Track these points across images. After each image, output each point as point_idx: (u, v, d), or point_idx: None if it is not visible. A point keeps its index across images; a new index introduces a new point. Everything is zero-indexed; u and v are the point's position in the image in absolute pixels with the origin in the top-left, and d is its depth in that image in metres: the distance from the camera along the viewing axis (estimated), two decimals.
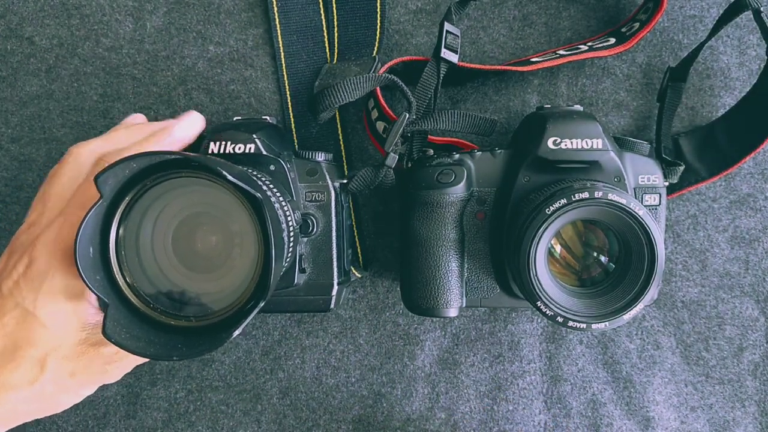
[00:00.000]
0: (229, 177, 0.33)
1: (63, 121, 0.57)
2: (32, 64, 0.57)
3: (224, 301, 0.38)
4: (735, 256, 0.57)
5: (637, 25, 0.54)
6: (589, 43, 0.54)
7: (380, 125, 0.52)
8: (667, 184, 0.48)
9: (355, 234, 0.56)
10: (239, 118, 0.50)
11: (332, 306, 0.47)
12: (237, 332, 0.34)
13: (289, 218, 0.42)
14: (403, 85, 0.47)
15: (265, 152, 0.44)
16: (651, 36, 0.57)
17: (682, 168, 0.50)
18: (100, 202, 0.35)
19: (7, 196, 0.58)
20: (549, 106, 0.48)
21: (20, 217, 0.58)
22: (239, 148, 0.44)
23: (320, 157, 0.47)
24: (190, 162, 0.35)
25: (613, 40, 0.54)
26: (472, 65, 0.53)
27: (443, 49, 0.47)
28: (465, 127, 0.49)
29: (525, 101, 0.57)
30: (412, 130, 0.49)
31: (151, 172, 0.36)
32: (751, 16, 0.49)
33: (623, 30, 0.55)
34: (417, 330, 0.57)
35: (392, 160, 0.47)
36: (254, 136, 0.44)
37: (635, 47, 0.56)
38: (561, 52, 0.54)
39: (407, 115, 0.47)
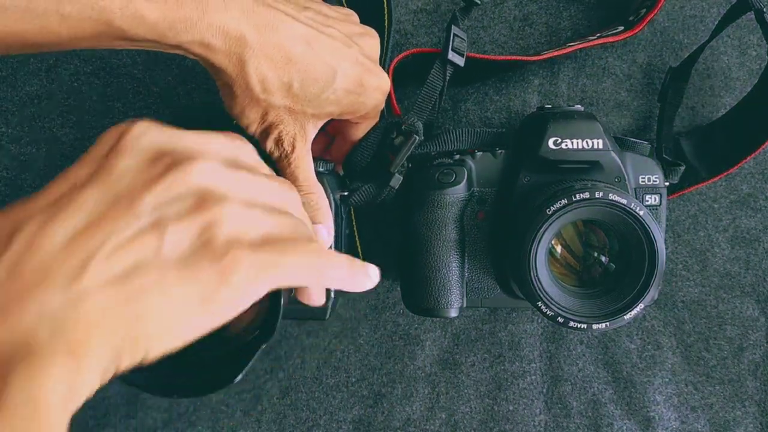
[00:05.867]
0: None
1: (63, 121, 0.57)
2: (32, 64, 0.57)
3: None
4: (735, 256, 0.57)
5: (643, 11, 0.54)
6: (598, 34, 0.54)
7: None
8: (667, 184, 0.48)
9: (356, 234, 0.55)
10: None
11: (328, 315, 0.47)
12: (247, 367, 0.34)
13: None
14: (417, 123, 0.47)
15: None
16: (651, 36, 0.57)
17: (682, 168, 0.50)
18: None
19: (7, 196, 0.58)
20: (550, 106, 0.48)
21: None
22: None
23: (321, 167, 0.46)
24: None
25: (621, 28, 0.54)
26: (480, 55, 0.52)
27: (450, 52, 0.47)
28: (474, 144, 0.49)
29: (525, 101, 0.57)
30: (418, 153, 0.49)
31: None
32: (752, 16, 0.49)
33: (630, 18, 0.55)
34: (417, 330, 0.57)
35: (396, 181, 0.47)
36: None
37: (637, 47, 0.56)
38: (569, 44, 0.54)
39: (416, 138, 0.46)
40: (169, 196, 0.25)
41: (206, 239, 0.25)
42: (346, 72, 0.39)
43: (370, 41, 0.42)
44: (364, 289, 0.31)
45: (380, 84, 0.41)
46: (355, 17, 0.43)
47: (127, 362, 0.24)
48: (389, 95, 0.52)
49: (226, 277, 0.25)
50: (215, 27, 0.33)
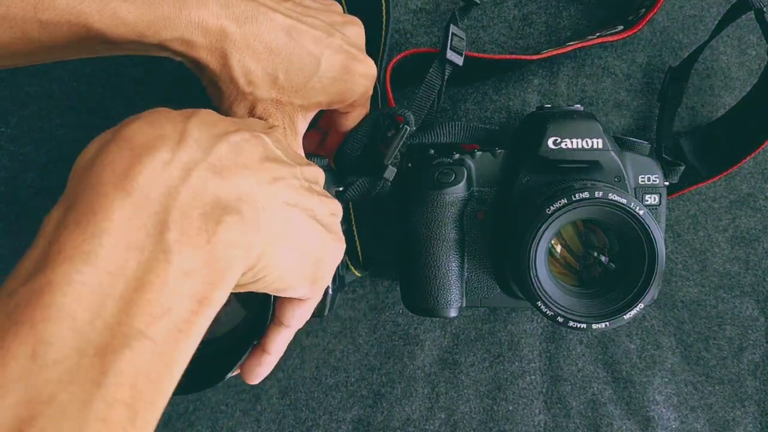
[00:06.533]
0: None
1: (62, 120, 0.57)
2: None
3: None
4: (735, 255, 0.57)
5: (643, 10, 0.54)
6: (597, 33, 0.54)
7: None
8: (667, 184, 0.48)
9: (355, 233, 0.55)
10: None
11: (326, 312, 0.47)
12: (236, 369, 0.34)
13: None
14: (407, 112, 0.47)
15: None
16: (651, 36, 0.57)
17: (682, 168, 0.50)
18: None
19: (6, 196, 0.58)
20: (549, 105, 0.48)
21: (20, 218, 0.57)
22: None
23: (315, 162, 0.46)
24: None
25: (621, 27, 0.54)
26: (480, 54, 0.52)
27: (449, 51, 0.47)
28: (466, 138, 0.49)
29: (525, 101, 0.57)
30: (412, 144, 0.49)
31: None
32: (752, 15, 0.49)
33: (630, 18, 0.55)
34: (417, 330, 0.57)
35: (390, 173, 0.46)
36: None
37: (636, 46, 0.56)
38: (569, 43, 0.54)
39: (407, 129, 0.46)
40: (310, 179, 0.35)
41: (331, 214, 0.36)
42: (330, 60, 0.39)
43: (354, 29, 0.42)
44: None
45: (366, 70, 0.41)
46: (337, 7, 0.43)
47: (250, 276, 0.29)
48: (386, 94, 0.52)
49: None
50: (194, 23, 0.33)
